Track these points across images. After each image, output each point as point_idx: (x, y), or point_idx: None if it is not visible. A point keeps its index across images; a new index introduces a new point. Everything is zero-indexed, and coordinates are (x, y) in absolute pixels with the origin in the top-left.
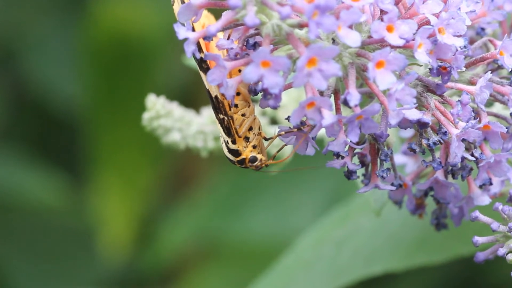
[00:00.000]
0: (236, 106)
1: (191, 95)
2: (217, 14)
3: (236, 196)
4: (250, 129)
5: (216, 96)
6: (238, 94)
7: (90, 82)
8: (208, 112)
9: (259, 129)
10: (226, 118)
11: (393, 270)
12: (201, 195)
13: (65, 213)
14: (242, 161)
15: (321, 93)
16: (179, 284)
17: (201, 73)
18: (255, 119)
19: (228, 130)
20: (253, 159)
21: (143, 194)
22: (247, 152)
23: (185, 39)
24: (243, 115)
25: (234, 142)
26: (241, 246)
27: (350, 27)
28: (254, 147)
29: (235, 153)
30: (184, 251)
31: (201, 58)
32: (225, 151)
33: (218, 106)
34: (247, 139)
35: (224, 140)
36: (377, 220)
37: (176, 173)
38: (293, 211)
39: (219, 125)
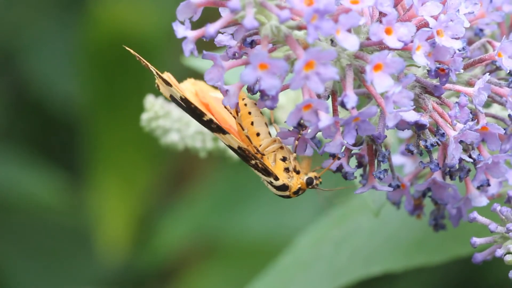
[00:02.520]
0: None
1: None
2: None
3: (234, 194)
4: (284, 159)
5: (238, 147)
6: (258, 134)
7: (89, 82)
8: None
9: (290, 153)
10: (258, 161)
11: (392, 270)
12: (199, 193)
13: (64, 212)
14: (298, 191)
15: (318, 95)
16: (177, 282)
17: (215, 134)
18: (282, 147)
19: (265, 171)
20: (310, 181)
21: (141, 193)
22: (297, 181)
23: (184, 38)
24: (274, 152)
25: (276, 178)
26: (239, 244)
27: (349, 30)
28: (298, 172)
29: (284, 187)
30: (182, 250)
31: (210, 119)
32: (274, 191)
33: (245, 154)
34: (287, 169)
35: (268, 182)
36: (376, 220)
37: (175, 172)
38: (292, 209)
39: (255, 170)
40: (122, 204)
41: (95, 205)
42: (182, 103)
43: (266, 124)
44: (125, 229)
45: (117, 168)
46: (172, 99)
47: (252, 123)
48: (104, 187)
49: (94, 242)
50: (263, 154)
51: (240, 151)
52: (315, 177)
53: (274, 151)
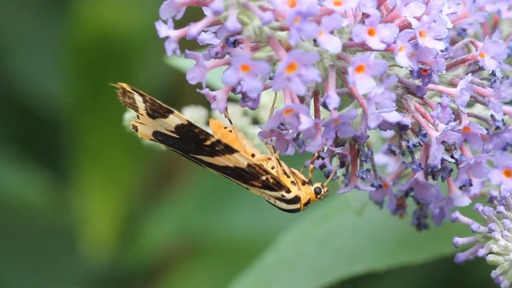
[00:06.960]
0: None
1: (174, 94)
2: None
3: (218, 193)
4: (286, 173)
5: (248, 164)
6: (253, 155)
7: (73, 81)
8: (190, 112)
9: (287, 168)
10: (268, 176)
11: (375, 269)
12: (183, 192)
13: (49, 212)
14: (308, 202)
15: (300, 97)
16: (163, 282)
17: (216, 159)
18: (280, 163)
19: (277, 184)
20: (319, 191)
21: (126, 192)
22: (306, 192)
23: (166, 38)
24: (272, 168)
25: (288, 191)
26: (224, 243)
27: (332, 32)
28: (304, 183)
29: (296, 199)
30: (167, 249)
31: (216, 140)
32: (283, 206)
33: (254, 172)
34: (293, 183)
35: (277, 198)
36: (359, 219)
37: (159, 171)
38: (276, 209)
39: (264, 190)
40: (106, 203)
41: (80, 205)
42: (174, 134)
43: (254, 146)
44: (110, 229)
45: (102, 167)
46: (157, 135)
47: (244, 146)
48: (88, 187)
49: (79, 242)
50: (287, 176)
51: (249, 168)
52: (322, 185)
53: (273, 167)
